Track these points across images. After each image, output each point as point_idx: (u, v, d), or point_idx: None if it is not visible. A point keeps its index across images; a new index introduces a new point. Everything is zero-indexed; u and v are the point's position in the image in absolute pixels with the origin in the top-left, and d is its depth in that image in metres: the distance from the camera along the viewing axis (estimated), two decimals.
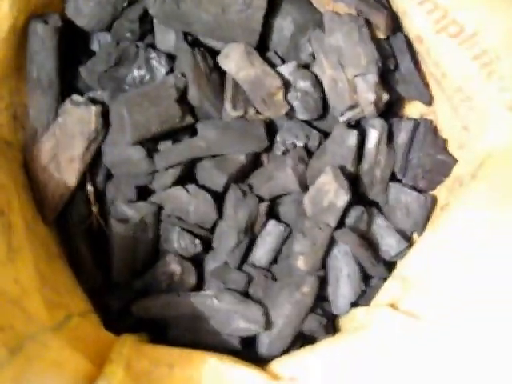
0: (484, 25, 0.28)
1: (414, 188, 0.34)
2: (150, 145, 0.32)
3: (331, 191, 0.31)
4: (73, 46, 0.34)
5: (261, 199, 0.33)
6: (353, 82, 0.32)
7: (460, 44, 0.30)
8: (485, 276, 0.25)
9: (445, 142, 0.35)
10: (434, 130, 0.35)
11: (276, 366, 0.28)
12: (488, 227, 0.26)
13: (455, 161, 0.34)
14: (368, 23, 0.33)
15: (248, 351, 0.31)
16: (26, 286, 0.26)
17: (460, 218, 0.29)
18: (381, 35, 0.33)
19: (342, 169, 0.31)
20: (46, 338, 0.23)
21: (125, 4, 0.33)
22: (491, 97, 0.30)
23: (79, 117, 0.31)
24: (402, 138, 0.35)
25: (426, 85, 0.35)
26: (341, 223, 0.31)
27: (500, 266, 0.24)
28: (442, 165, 0.34)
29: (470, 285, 0.25)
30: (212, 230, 0.33)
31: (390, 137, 0.35)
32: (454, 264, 0.27)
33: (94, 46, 0.35)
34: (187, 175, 0.33)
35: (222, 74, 0.33)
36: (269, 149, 0.34)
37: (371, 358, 0.25)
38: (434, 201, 0.33)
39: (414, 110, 0.36)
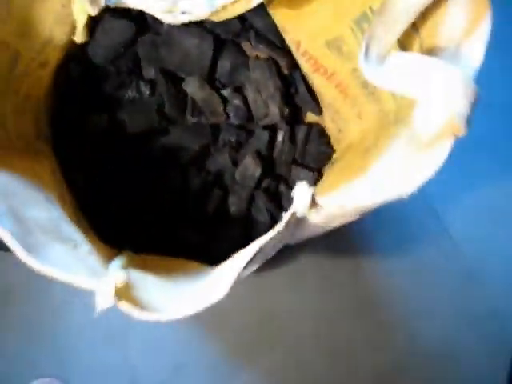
0: (338, 67, 0.50)
1: (309, 167, 0.57)
2: None
3: (251, 167, 0.53)
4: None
5: (209, 173, 0.55)
6: (266, 101, 0.54)
7: (327, 79, 0.52)
8: None
9: (328, 138, 0.57)
10: (321, 131, 0.57)
11: None
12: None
13: (333, 151, 0.57)
14: (276, 64, 0.56)
15: None
16: None
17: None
18: (285, 71, 0.56)
19: (258, 153, 0.54)
20: None
21: (122, 50, 0.55)
22: (347, 111, 0.53)
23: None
24: (300, 135, 0.56)
25: (316, 102, 0.57)
26: (258, 186, 0.54)
27: None
28: (325, 154, 0.57)
29: None
30: None
31: (293, 135, 0.57)
32: None
33: (102, 74, 0.57)
34: None
35: (185, 94, 0.54)
36: (215, 142, 0.56)
37: None
38: (319, 175, 0.56)
39: (310, 118, 0.57)
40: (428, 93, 0.31)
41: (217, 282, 0.32)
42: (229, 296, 0.62)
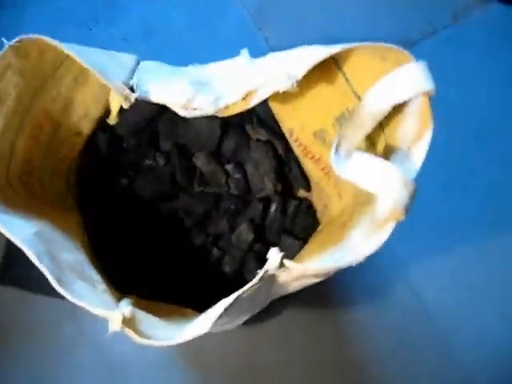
0: (323, 153, 0.61)
1: (296, 236, 0.67)
2: None
3: (245, 232, 0.63)
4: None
5: (209, 235, 0.65)
6: (263, 177, 0.65)
7: (314, 162, 0.62)
8: None
9: (315, 212, 0.68)
10: (309, 206, 0.67)
11: None
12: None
13: (318, 223, 0.67)
14: (273, 146, 0.67)
15: None
16: None
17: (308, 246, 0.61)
18: (281, 153, 0.67)
19: (252, 221, 0.64)
20: None
21: (144, 125, 0.66)
22: (331, 190, 0.63)
23: None
24: (291, 208, 0.66)
25: (306, 180, 0.67)
26: (251, 250, 0.64)
27: None
28: (311, 226, 0.67)
29: None
30: None
31: (285, 207, 0.67)
32: None
33: (125, 144, 0.68)
34: None
35: (194, 166, 0.65)
36: (216, 209, 0.66)
37: None
38: (304, 243, 0.66)
39: (301, 193, 0.69)
40: (379, 187, 0.42)
41: (201, 322, 0.42)
42: (221, 348, 0.71)
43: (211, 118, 0.62)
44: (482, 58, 0.81)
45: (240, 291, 0.41)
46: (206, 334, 0.68)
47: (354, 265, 0.42)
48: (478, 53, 0.81)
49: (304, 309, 0.73)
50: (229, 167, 0.64)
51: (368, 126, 0.47)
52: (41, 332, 0.73)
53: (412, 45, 0.81)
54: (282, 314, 0.72)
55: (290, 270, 0.41)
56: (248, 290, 0.41)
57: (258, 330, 0.72)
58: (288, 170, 0.65)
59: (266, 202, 0.65)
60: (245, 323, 0.65)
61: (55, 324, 0.72)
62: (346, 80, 0.51)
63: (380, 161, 0.43)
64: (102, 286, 0.44)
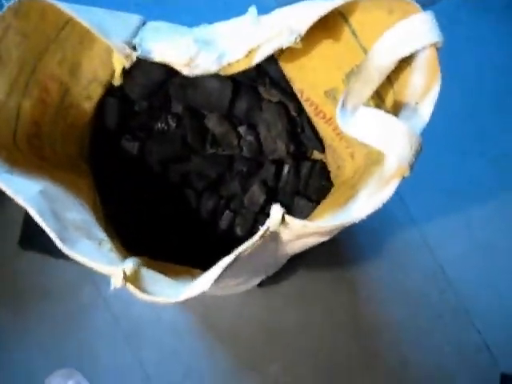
0: (334, 113, 0.60)
1: (309, 198, 0.67)
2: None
3: (257, 194, 0.63)
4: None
5: (222, 197, 0.65)
6: (274, 138, 0.65)
7: (326, 122, 0.61)
8: None
9: (329, 174, 0.67)
10: (323, 167, 0.67)
11: None
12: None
13: (332, 185, 0.66)
14: (286, 107, 0.66)
15: None
16: None
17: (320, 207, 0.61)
18: (293, 113, 0.66)
19: (265, 182, 0.64)
20: None
21: (155, 89, 0.66)
22: (343, 151, 0.62)
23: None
24: (304, 170, 0.66)
25: (320, 141, 0.67)
26: (262, 211, 0.64)
27: None
28: (325, 187, 0.66)
29: None
30: None
31: (298, 169, 0.67)
32: None
33: (137, 108, 0.68)
34: None
35: (206, 129, 0.65)
36: (230, 170, 0.67)
37: None
38: (318, 205, 0.65)
39: (315, 155, 0.69)
40: (383, 142, 0.41)
41: (203, 280, 0.42)
42: (238, 311, 0.71)
43: (222, 80, 0.62)
44: (503, 19, 0.79)
45: (240, 249, 0.41)
46: (222, 299, 0.69)
47: (356, 222, 0.42)
48: (500, 12, 0.79)
49: (320, 271, 0.73)
50: (241, 129, 0.64)
51: (375, 80, 0.46)
52: (60, 294, 0.75)
53: (431, 4, 0.79)
54: (297, 275, 0.73)
55: (291, 227, 0.41)
56: (249, 247, 0.41)
57: (274, 293, 0.73)
58: (301, 131, 0.65)
59: (279, 163, 0.64)
60: (260, 285, 0.65)
61: (74, 287, 0.74)
62: (354, 36, 0.50)
63: (385, 115, 0.42)
64: (108, 245, 0.44)
